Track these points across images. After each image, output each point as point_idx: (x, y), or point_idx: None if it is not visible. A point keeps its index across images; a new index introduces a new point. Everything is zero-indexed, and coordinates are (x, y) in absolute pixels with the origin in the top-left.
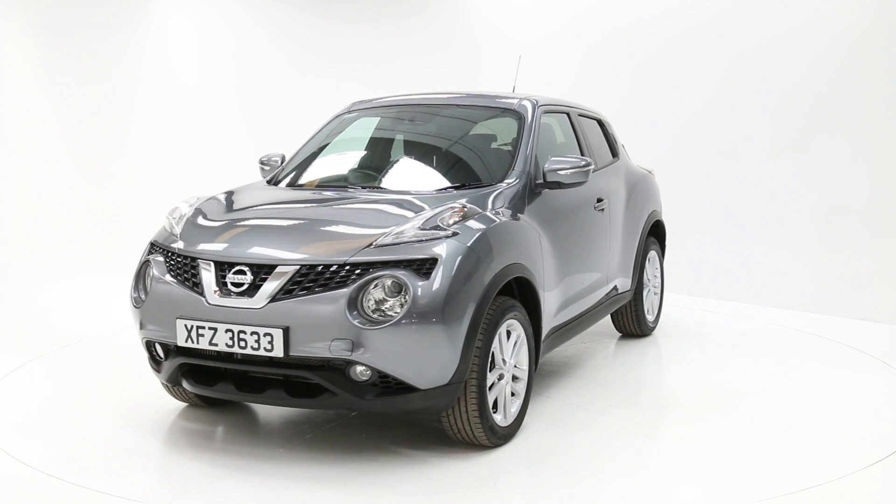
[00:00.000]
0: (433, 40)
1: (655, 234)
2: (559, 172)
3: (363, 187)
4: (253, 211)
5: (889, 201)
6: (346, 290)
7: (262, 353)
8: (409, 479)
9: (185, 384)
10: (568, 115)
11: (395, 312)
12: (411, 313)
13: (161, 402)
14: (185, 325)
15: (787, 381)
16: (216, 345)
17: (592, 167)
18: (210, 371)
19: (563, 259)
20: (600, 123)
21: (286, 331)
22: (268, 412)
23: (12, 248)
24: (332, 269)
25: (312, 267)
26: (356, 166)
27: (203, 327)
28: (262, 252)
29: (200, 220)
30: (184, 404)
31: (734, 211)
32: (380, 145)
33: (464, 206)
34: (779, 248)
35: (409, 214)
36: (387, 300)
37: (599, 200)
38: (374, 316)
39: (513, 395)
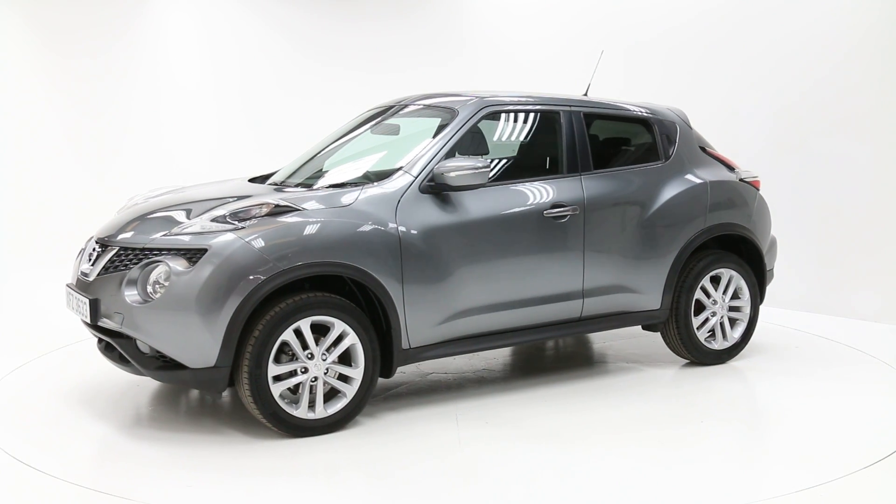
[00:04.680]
0: (433, 39)
1: (742, 251)
2: (446, 175)
3: (279, 183)
4: (155, 201)
5: (889, 201)
6: (129, 271)
7: (85, 319)
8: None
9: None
10: (559, 113)
11: (158, 295)
12: (169, 297)
13: (162, 402)
14: (67, 292)
15: (787, 381)
16: (75, 309)
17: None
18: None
19: (460, 267)
20: (647, 124)
21: (94, 302)
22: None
23: (12, 248)
24: (135, 251)
25: (126, 248)
26: (295, 166)
27: (70, 293)
28: (110, 233)
29: (128, 205)
30: (187, 407)
31: None
32: (332, 146)
33: (272, 203)
34: (778, 247)
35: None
36: (154, 282)
37: (557, 206)
38: (146, 296)
39: (338, 392)
